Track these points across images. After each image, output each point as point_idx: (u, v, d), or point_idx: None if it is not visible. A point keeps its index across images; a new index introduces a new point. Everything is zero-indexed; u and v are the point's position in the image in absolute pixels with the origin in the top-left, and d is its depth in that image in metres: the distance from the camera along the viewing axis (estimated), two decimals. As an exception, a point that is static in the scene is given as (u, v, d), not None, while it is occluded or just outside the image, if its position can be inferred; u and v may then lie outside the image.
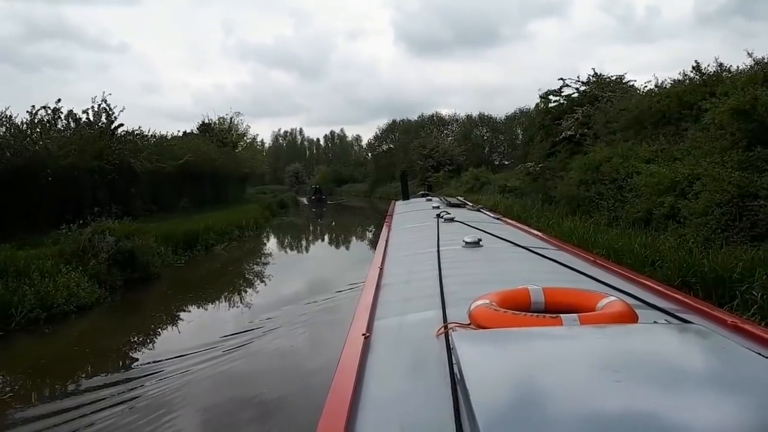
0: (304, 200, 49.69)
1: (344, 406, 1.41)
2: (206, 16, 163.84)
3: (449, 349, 1.56)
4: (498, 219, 7.18)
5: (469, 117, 56.78)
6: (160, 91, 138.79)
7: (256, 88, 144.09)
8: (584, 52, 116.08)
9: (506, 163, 51.88)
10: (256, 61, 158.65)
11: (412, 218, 7.31)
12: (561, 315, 1.64)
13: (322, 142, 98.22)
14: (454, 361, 1.44)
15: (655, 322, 1.75)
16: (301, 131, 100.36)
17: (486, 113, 56.42)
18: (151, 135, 24.32)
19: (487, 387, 1.18)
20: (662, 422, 1.01)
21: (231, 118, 41.07)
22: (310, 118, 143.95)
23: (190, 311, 10.20)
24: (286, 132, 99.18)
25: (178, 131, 37.93)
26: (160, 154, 22.22)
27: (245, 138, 43.09)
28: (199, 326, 9.01)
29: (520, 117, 54.06)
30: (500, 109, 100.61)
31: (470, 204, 9.84)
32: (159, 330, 8.96)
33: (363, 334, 1.99)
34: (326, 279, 12.47)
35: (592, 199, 12.61)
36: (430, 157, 43.55)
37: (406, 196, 13.45)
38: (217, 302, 11.13)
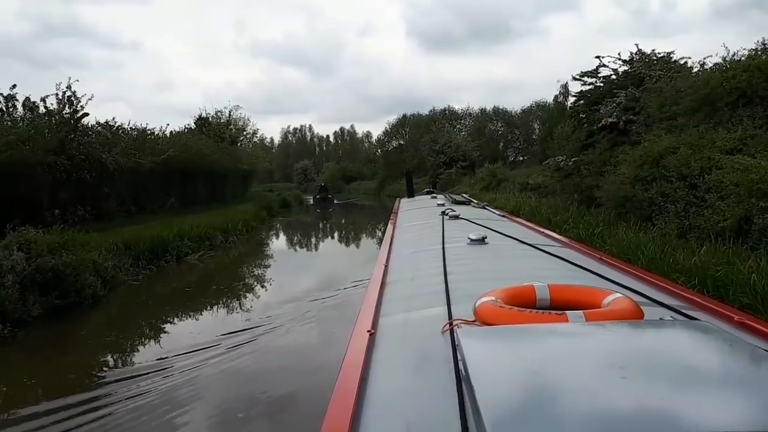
0: (310, 200, 46.70)
1: (349, 402, 1.40)
2: (217, 13, 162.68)
3: (454, 346, 1.56)
4: (503, 216, 7.09)
5: (483, 111, 54.13)
6: (173, 89, 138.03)
7: (267, 85, 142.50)
8: (598, 47, 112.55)
9: (521, 159, 49.17)
10: (267, 58, 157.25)
11: (417, 215, 7.19)
12: (567, 312, 1.61)
13: (332, 139, 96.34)
14: (459, 358, 1.40)
15: (661, 319, 1.74)
16: (310, 128, 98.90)
17: (501, 107, 53.73)
18: (131, 128, 21.87)
19: (492, 384, 1.15)
20: (669, 418, 0.98)
21: (230, 112, 38.51)
22: (321, 116, 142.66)
23: (112, 359, 7.45)
24: (295, 129, 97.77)
25: (167, 125, 35.66)
26: (140, 150, 19.88)
27: (245, 132, 40.52)
28: (117, 380, 6.29)
29: (536, 111, 51.37)
30: (512, 105, 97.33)
31: (475, 201, 9.52)
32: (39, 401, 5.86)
33: (368, 331, 1.98)
34: (320, 305, 9.63)
35: (654, 201, 9.79)
36: (442, 153, 40.71)
37: (411, 194, 13.54)
38: (159, 340, 8.29)
